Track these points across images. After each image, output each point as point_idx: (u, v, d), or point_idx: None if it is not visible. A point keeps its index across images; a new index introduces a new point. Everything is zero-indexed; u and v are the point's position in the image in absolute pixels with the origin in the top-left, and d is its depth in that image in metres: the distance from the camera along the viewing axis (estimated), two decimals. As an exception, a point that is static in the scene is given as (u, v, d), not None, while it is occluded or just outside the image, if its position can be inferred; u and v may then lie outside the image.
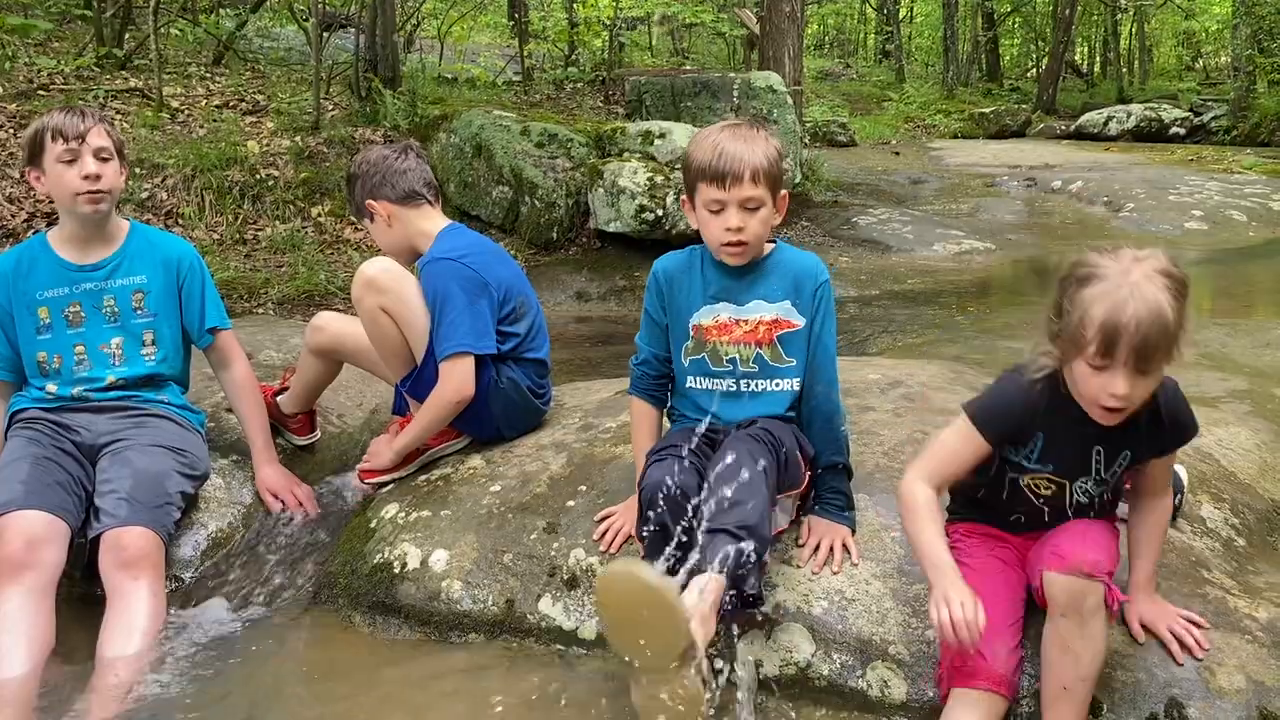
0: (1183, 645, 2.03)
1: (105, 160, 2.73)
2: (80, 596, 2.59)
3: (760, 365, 2.33)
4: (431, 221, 2.90)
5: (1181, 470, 2.41)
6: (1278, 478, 2.83)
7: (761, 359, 2.33)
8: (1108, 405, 1.82)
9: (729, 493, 2.01)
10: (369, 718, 2.17)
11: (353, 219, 2.51)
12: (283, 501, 2.90)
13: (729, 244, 2.25)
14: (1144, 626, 2.04)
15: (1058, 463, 2.00)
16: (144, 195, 6.61)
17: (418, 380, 2.82)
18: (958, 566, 1.94)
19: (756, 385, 2.35)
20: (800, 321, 2.33)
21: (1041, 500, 2.05)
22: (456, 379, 2.71)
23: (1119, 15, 24.19)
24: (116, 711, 2.17)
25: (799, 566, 2.27)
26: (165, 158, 6.86)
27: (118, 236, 2.85)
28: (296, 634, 2.50)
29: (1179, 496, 2.35)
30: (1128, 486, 2.10)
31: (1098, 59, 26.80)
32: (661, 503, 2.06)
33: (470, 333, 2.71)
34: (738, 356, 2.34)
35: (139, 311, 2.84)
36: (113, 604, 2.44)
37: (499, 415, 2.88)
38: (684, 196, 2.34)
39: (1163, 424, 1.96)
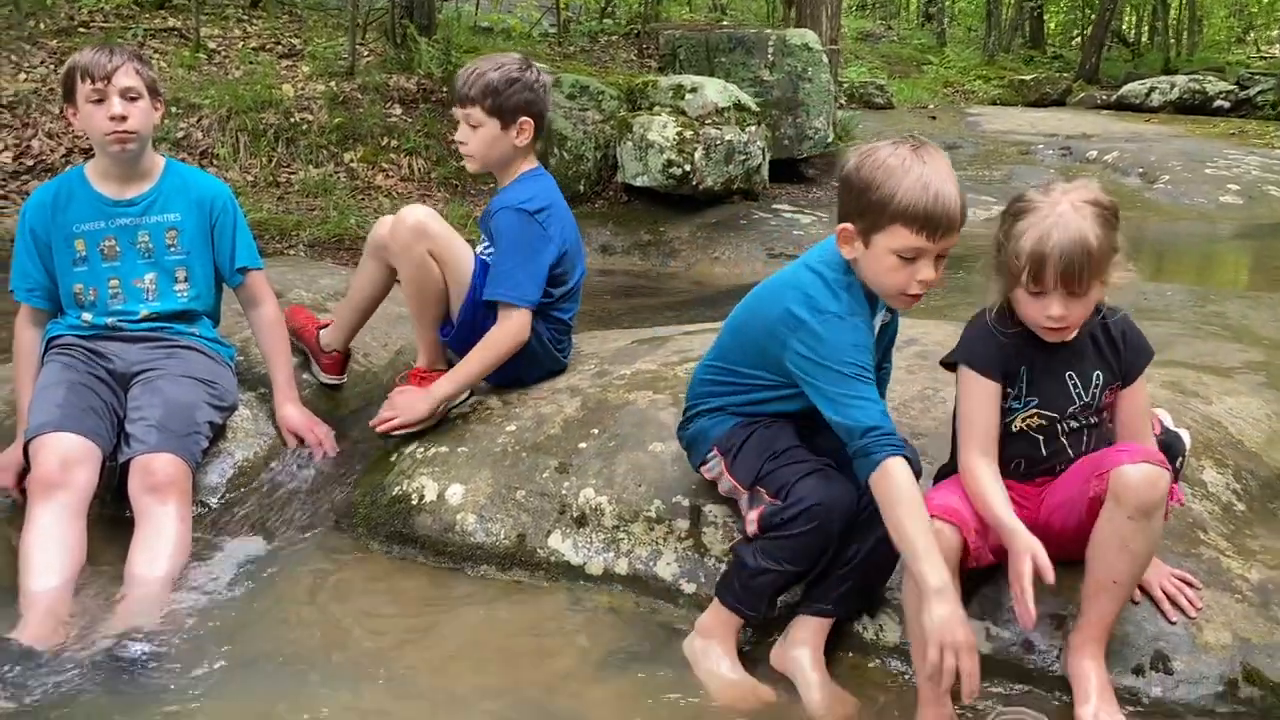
0: (1174, 604, 2.08)
1: (133, 100, 2.75)
2: (111, 519, 2.68)
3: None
4: (529, 156, 2.94)
5: (1186, 435, 2.44)
6: (1285, 447, 2.86)
7: None
8: (1048, 326, 1.97)
9: None
10: (383, 637, 2.26)
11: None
12: (301, 439, 2.99)
13: (914, 295, 2.02)
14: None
15: (1041, 397, 2.08)
16: (180, 135, 6.70)
17: (462, 329, 2.87)
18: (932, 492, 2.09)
19: None
20: (890, 315, 2.26)
21: (1037, 435, 2.10)
22: (515, 326, 2.77)
23: (1168, -17, 23.67)
24: (144, 624, 2.27)
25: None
26: (201, 98, 6.93)
27: (153, 173, 2.91)
28: (316, 558, 2.59)
29: (1180, 460, 2.38)
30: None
31: (1145, 28, 26.24)
32: None
33: (533, 286, 2.78)
34: None
35: (172, 249, 2.91)
36: (141, 526, 2.53)
37: (521, 365, 2.94)
38: (844, 225, 2.02)
39: (1117, 344, 2.08)
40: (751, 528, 2.10)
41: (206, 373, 2.87)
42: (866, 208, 1.97)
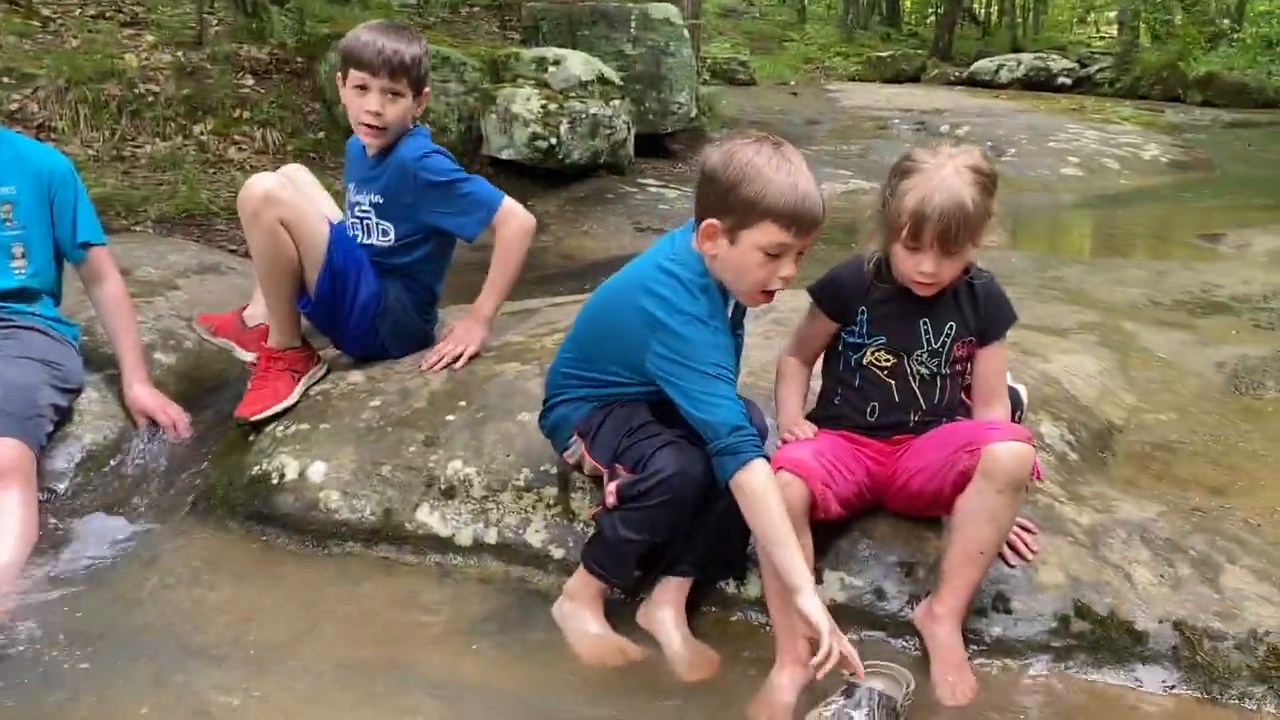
0: (1014, 549, 2.21)
1: None
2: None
3: None
4: None
5: (1022, 389, 2.59)
6: (1115, 401, 3.06)
7: None
8: (919, 280, 2.10)
9: None
10: (246, 621, 2.22)
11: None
12: (153, 421, 2.87)
13: (770, 292, 2.09)
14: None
15: (889, 336, 2.20)
16: (14, 107, 6.31)
17: (322, 302, 2.78)
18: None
19: None
20: None
21: (886, 374, 2.21)
22: (513, 221, 2.80)
23: (1015, -36, 24.65)
24: (-12, 615, 2.17)
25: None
26: (36, 68, 6.54)
27: (-18, 145, 2.75)
28: (173, 542, 2.51)
29: (1019, 414, 2.53)
30: (967, 400, 2.27)
31: (995, 7, 27.31)
32: None
33: (489, 187, 2.83)
34: None
35: (8, 223, 2.76)
36: (-17, 514, 2.42)
37: (386, 335, 2.90)
38: (709, 221, 2.03)
39: (978, 302, 2.21)
40: (611, 499, 2.13)
41: (48, 353, 2.74)
42: (735, 205, 1.99)
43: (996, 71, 16.99)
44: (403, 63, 2.72)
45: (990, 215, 2.08)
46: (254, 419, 2.75)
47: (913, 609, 2.15)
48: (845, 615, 2.18)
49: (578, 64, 7.52)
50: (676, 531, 2.14)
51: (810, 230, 2.01)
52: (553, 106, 7.20)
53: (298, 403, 2.80)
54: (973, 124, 11.04)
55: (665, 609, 2.18)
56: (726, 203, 2.00)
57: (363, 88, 2.74)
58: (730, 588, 2.28)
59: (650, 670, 2.10)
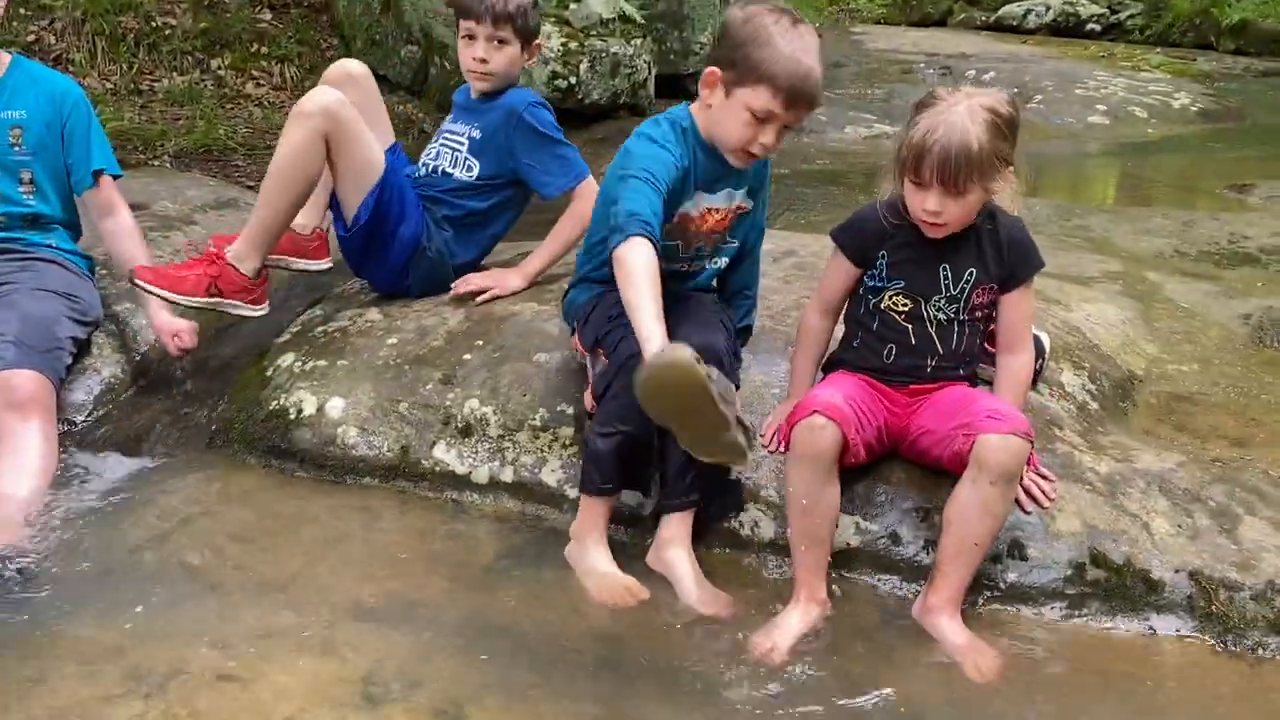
0: (1032, 497, 2.20)
1: None
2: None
3: (714, 248, 2.38)
4: None
5: (1044, 337, 2.56)
6: (1137, 351, 3.03)
7: (719, 241, 2.38)
8: (925, 220, 2.07)
9: None
10: (265, 551, 2.24)
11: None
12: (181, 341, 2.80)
13: (752, 154, 2.16)
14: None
15: (908, 280, 2.17)
16: (30, 38, 6.26)
17: (359, 235, 2.75)
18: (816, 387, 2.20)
19: (698, 265, 2.39)
20: (750, 205, 2.38)
21: (903, 318, 2.19)
22: (591, 197, 2.72)
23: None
24: (11, 544, 2.20)
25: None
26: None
27: (-5, 69, 2.73)
28: (190, 474, 2.53)
29: (1040, 362, 2.50)
30: (990, 349, 2.25)
31: (1023, -51, 26.65)
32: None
33: (580, 161, 2.86)
34: (703, 245, 2.35)
35: (16, 148, 2.74)
36: (3, 444, 2.43)
37: (415, 279, 2.90)
38: (712, 68, 2.14)
39: (1002, 248, 2.15)
40: (589, 401, 2.18)
41: (66, 286, 2.75)
42: (739, 61, 2.08)
43: (1024, 16, 16.61)
44: (507, 12, 2.76)
45: (1002, 160, 2.02)
46: (138, 281, 2.61)
47: (929, 554, 2.15)
48: (861, 560, 2.20)
49: (599, 1, 7.39)
50: (648, 423, 2.03)
51: (800, 107, 2.08)
52: (573, 45, 7.09)
53: (316, 338, 2.79)
54: (999, 70, 10.82)
55: (673, 547, 2.18)
56: (732, 57, 2.09)
57: (470, 37, 2.81)
58: (744, 529, 2.28)
59: (661, 609, 2.10)
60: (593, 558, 2.19)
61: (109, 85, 6.28)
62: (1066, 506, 2.19)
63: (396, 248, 2.81)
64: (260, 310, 2.75)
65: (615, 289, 2.08)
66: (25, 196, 2.76)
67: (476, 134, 2.87)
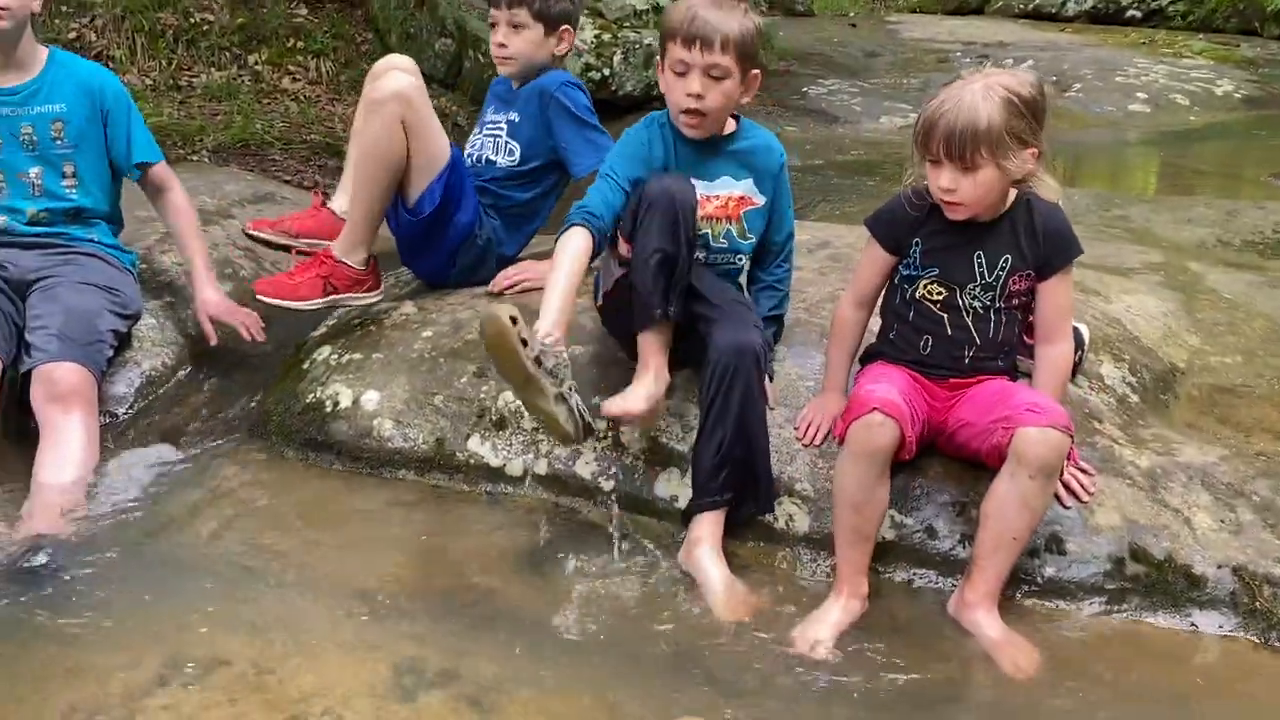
0: (1070, 490, 2.17)
1: None
2: (19, 429, 2.61)
3: (729, 240, 2.42)
4: (561, 66, 3.00)
5: (1084, 329, 2.53)
6: (1178, 343, 2.98)
7: (730, 234, 2.42)
8: (942, 199, 2.05)
9: None
10: (302, 544, 2.26)
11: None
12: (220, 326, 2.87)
13: (687, 111, 2.27)
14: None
15: (942, 268, 2.15)
16: (71, 35, 6.35)
17: (419, 224, 2.77)
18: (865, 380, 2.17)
19: (723, 259, 2.44)
20: (761, 200, 2.43)
21: (939, 307, 2.16)
22: None
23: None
24: (53, 533, 2.23)
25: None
26: (92, -4, 6.57)
27: (33, 63, 2.77)
28: (228, 466, 2.55)
29: (1080, 354, 2.47)
30: (1029, 340, 2.22)
31: (1062, -64, 26.29)
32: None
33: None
34: (709, 232, 2.40)
35: (58, 141, 2.78)
36: (46, 436, 2.47)
37: (460, 266, 2.93)
38: (658, 59, 2.34)
39: (1038, 234, 2.12)
40: (624, 247, 2.29)
41: (107, 279, 2.78)
42: (660, 39, 2.31)
43: (1063, 4, 16.36)
44: None
45: (1016, 138, 1.98)
46: (259, 298, 2.79)
47: (964, 548, 2.13)
48: (897, 554, 2.18)
49: (631, -7, 7.37)
50: (677, 238, 2.19)
51: (701, 47, 2.19)
52: (606, 37, 7.09)
53: (351, 330, 2.82)
54: (1037, 58, 10.68)
55: (702, 546, 2.17)
56: (660, 40, 2.32)
57: (493, 25, 2.86)
58: (779, 522, 2.27)
59: (693, 607, 2.10)
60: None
61: (148, 81, 6.35)
62: (1106, 501, 2.17)
63: (452, 234, 2.84)
64: (377, 295, 2.91)
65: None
66: (68, 190, 2.81)
67: (515, 117, 2.91)
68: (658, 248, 2.19)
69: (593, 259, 2.32)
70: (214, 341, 2.89)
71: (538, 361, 2.06)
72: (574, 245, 2.23)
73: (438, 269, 2.95)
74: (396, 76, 2.69)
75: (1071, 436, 1.99)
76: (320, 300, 2.82)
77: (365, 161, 2.75)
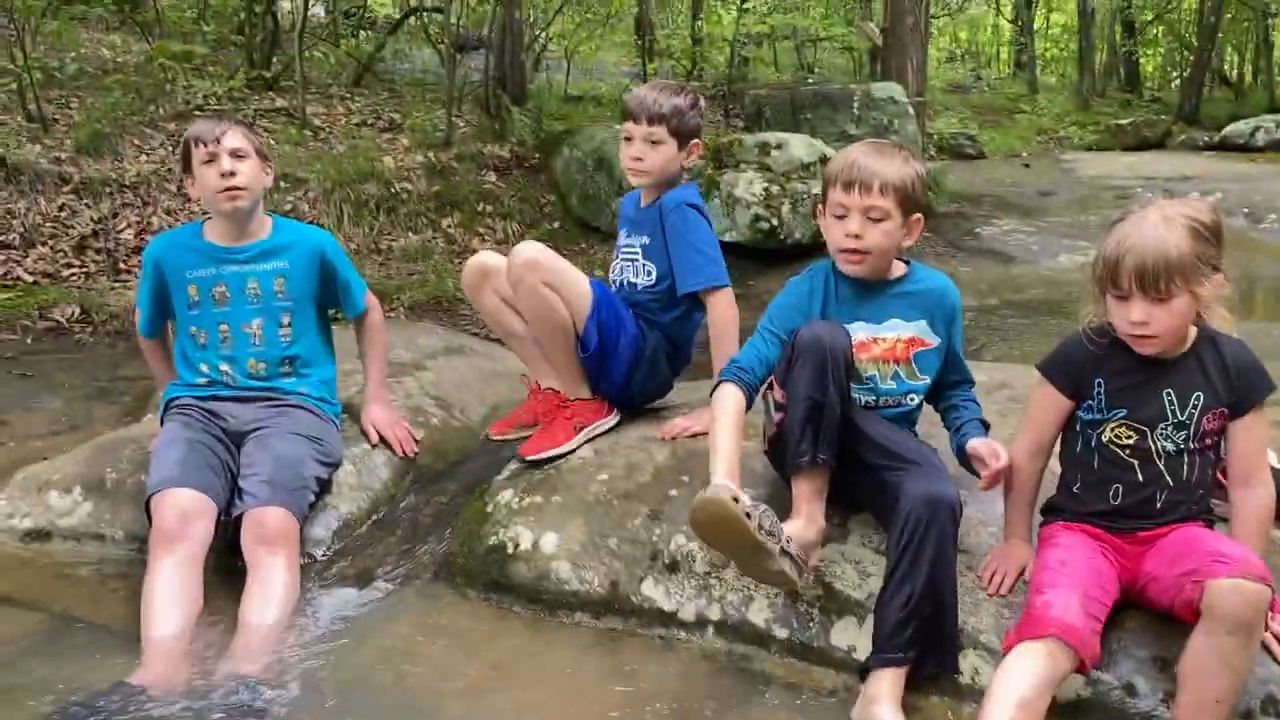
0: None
1: (241, 158, 2.98)
2: (226, 568, 2.80)
3: (897, 382, 2.45)
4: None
5: (1284, 466, 2.37)
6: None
7: (899, 375, 2.45)
8: (1133, 333, 1.98)
9: None
10: (480, 682, 2.32)
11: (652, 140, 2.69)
12: (382, 438, 3.21)
13: (846, 250, 2.36)
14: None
15: (1130, 409, 2.06)
16: (287, 207, 7.03)
17: (588, 351, 2.94)
18: (1045, 548, 2.07)
19: (893, 400, 2.47)
20: (934, 341, 2.46)
21: (1128, 452, 2.07)
22: (729, 304, 2.93)
23: (1270, 20, 23.04)
24: (256, 669, 2.37)
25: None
26: (307, 172, 7.28)
27: (261, 230, 3.12)
28: (416, 607, 2.66)
29: (1284, 497, 2.31)
30: (1223, 481, 2.10)
31: (1248, 68, 25.53)
32: None
33: (723, 268, 2.98)
34: (877, 373, 2.45)
35: (279, 295, 3.09)
36: (253, 575, 2.65)
37: (638, 382, 3.06)
38: (820, 205, 2.46)
39: (1228, 369, 2.03)
40: (778, 392, 2.37)
41: (314, 430, 3.01)
42: (822, 186, 2.44)
43: (1252, 134, 15.77)
44: (660, 112, 2.93)
45: (1206, 263, 1.93)
46: (529, 458, 2.95)
47: (1167, 707, 1.98)
48: (1091, 712, 2.05)
49: (800, 147, 7.60)
50: (825, 386, 2.23)
51: (860, 190, 2.30)
52: (774, 189, 7.30)
53: (533, 474, 2.93)
54: (1225, 190, 10.29)
55: (881, 704, 2.07)
56: (822, 188, 2.49)
57: (629, 138, 2.99)
58: (964, 676, 2.17)
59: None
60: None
61: (353, 245, 6.93)
62: (1330, 659, 1.98)
63: (622, 354, 2.97)
64: (616, 417, 3.10)
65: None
66: (283, 340, 3.09)
67: (646, 240, 3.04)
68: (806, 395, 2.25)
69: (747, 409, 2.39)
70: (373, 443, 3.21)
71: (759, 526, 2.09)
72: (726, 402, 2.35)
73: (622, 391, 3.07)
74: (521, 249, 2.89)
75: (1271, 587, 1.85)
76: (578, 440, 2.99)
77: (536, 326, 2.96)
